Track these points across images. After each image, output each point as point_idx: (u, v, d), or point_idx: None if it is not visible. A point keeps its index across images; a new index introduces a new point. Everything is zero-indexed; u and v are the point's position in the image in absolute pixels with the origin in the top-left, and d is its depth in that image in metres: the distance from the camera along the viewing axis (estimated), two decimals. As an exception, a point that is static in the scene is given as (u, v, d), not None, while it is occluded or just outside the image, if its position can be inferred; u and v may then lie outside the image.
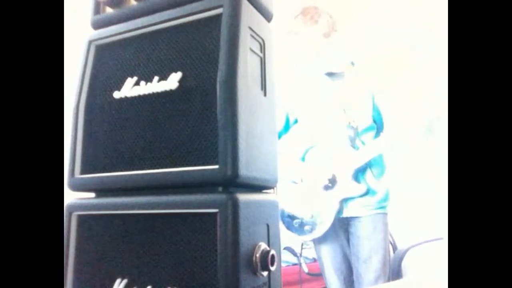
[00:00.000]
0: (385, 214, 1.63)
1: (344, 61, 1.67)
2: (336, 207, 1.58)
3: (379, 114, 1.65)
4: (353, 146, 1.61)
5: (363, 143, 1.62)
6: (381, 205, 1.61)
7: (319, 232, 1.60)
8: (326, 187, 1.58)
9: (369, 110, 1.63)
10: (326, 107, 1.66)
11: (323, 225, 1.59)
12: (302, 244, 1.76)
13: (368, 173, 1.62)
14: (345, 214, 1.60)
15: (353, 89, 1.64)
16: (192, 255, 0.51)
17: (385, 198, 1.63)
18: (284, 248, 2.36)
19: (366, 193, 1.58)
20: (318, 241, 1.68)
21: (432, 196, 2.27)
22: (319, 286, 2.14)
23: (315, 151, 1.68)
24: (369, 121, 1.63)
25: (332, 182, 1.58)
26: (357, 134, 1.62)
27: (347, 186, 1.58)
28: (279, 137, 1.80)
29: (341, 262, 1.66)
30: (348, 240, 1.66)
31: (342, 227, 1.65)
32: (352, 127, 1.62)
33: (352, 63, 1.70)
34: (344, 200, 1.59)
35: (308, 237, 1.63)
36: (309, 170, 1.65)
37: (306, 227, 1.60)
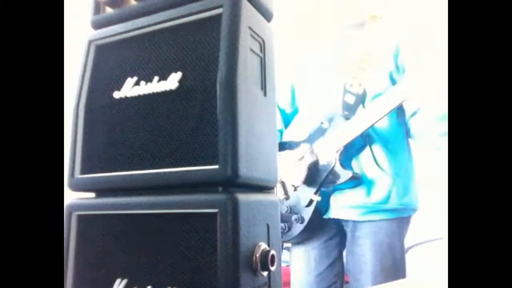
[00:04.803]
0: (395, 220, 1.11)
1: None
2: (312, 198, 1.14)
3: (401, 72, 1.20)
4: (348, 116, 1.13)
5: None
6: (385, 208, 1.11)
7: (293, 232, 1.23)
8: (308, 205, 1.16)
9: (385, 70, 1.20)
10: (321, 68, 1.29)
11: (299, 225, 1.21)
12: (282, 245, 1.59)
13: (366, 154, 1.12)
14: (333, 214, 1.20)
15: (373, 40, 1.26)
16: (192, 255, 0.51)
17: (403, 194, 1.11)
18: (284, 248, 2.36)
19: (356, 183, 1.10)
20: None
21: (432, 196, 2.26)
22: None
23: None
24: (385, 83, 1.15)
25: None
26: (363, 101, 1.15)
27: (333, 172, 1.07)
28: (290, 119, 1.52)
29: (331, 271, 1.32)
30: (343, 245, 1.31)
31: (331, 229, 1.27)
32: (351, 92, 1.16)
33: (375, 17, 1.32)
34: (327, 192, 1.13)
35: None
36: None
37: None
